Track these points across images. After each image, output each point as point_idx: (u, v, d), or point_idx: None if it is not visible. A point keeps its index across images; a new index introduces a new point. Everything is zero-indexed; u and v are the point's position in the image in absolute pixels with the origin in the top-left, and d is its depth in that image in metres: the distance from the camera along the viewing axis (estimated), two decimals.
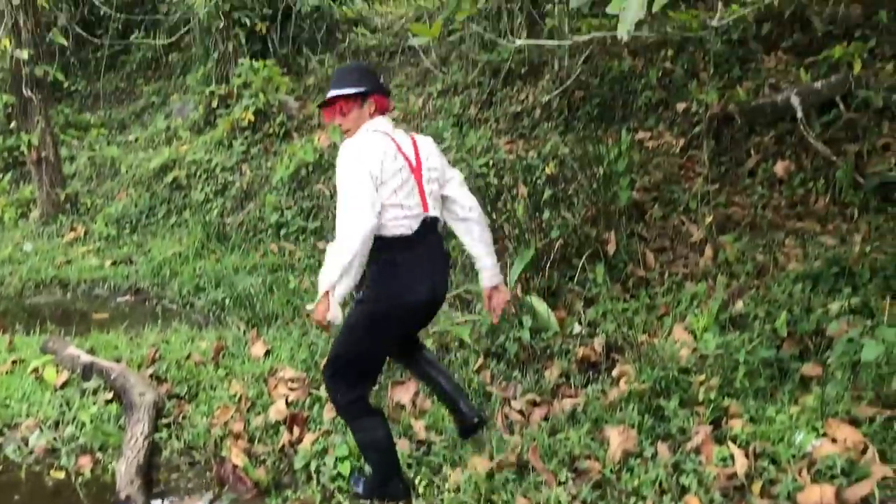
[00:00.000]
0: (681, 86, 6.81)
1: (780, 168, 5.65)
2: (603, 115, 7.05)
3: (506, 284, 3.75)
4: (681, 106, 6.61)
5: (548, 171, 6.21)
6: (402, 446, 3.71)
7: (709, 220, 5.22)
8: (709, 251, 5.05)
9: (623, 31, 1.72)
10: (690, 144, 6.27)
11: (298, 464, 3.74)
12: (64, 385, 4.81)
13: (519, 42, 3.15)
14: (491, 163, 6.83)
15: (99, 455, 4.14)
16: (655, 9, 1.76)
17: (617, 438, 3.41)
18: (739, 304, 4.30)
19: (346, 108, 3.26)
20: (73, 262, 8.42)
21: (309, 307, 3.17)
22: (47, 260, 8.56)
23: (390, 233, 3.11)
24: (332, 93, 3.26)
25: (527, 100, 7.72)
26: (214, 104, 10.40)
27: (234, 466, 3.78)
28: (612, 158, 5.55)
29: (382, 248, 3.10)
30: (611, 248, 5.21)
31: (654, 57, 7.17)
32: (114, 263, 8.21)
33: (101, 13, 13.05)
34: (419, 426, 3.92)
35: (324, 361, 3.47)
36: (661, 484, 3.15)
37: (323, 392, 4.33)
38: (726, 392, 3.64)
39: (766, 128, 6.01)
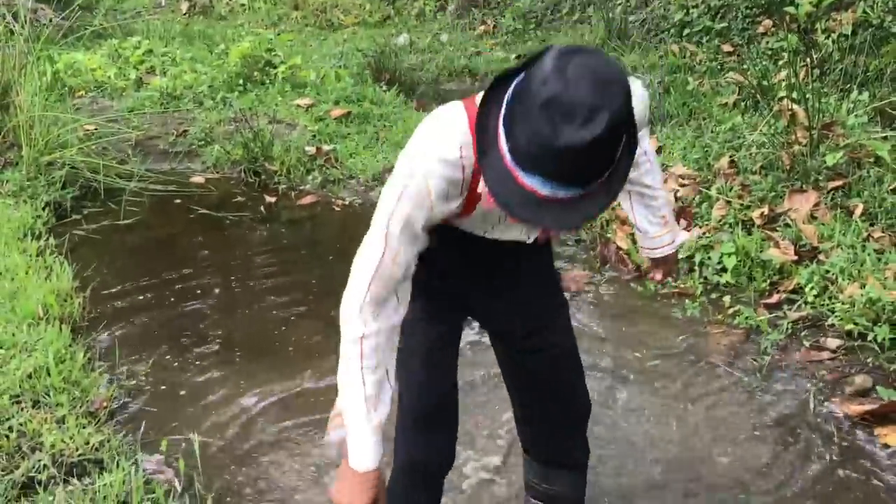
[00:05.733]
0: None
1: None
2: None
3: None
4: None
5: None
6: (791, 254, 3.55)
7: None
8: None
9: None
10: None
11: (681, 255, 3.74)
12: None
13: None
14: None
15: None
16: None
17: None
18: None
19: None
20: (481, 54, 8.95)
21: None
22: (459, 51, 9.18)
23: None
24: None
25: None
26: None
27: (619, 248, 3.93)
28: None
29: None
30: None
31: None
32: (517, 57, 8.57)
33: None
34: (811, 233, 3.68)
35: None
36: None
37: (713, 191, 4.21)
38: None
39: None
